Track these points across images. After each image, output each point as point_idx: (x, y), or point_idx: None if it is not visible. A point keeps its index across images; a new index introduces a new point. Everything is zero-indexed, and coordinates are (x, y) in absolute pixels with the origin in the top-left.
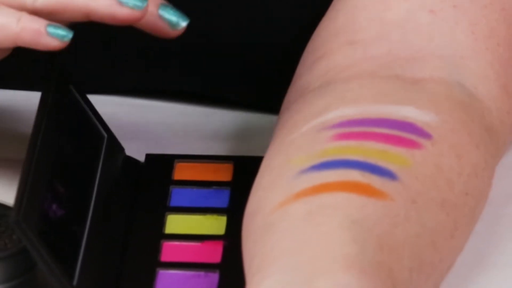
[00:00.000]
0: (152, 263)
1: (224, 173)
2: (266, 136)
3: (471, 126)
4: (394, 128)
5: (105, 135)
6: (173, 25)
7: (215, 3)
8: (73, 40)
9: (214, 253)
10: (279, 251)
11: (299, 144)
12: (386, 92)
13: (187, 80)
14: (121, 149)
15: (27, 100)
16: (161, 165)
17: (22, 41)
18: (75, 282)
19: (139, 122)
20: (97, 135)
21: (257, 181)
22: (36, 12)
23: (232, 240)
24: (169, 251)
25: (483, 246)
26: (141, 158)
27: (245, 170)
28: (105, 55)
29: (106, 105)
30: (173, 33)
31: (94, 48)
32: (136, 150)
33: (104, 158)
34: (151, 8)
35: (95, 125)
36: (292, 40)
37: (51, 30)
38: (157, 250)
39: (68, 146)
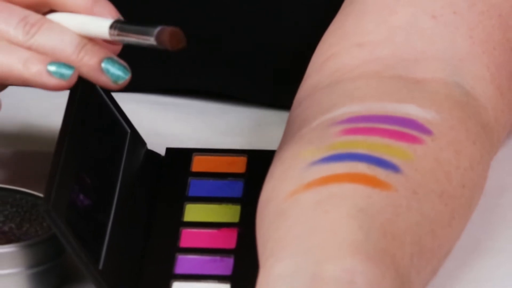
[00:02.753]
0: (172, 248)
1: (238, 165)
2: (278, 131)
3: (468, 124)
4: (397, 124)
5: (129, 130)
6: (115, 79)
7: (231, 6)
8: None
9: (229, 239)
10: (291, 236)
11: (309, 138)
12: (390, 91)
13: (205, 79)
14: (143, 143)
15: (56, 97)
16: (180, 158)
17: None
18: (100, 266)
19: (160, 118)
20: (121, 131)
21: (270, 172)
22: None
23: (245, 227)
24: (188, 237)
25: (479, 233)
26: (162, 152)
27: (257, 162)
28: (129, 56)
29: (129, 103)
30: (115, 86)
31: (120, 54)
32: (157, 145)
33: (127, 152)
34: (93, 61)
35: (119, 121)
36: (303, 41)
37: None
38: (176, 236)
39: (94, 140)
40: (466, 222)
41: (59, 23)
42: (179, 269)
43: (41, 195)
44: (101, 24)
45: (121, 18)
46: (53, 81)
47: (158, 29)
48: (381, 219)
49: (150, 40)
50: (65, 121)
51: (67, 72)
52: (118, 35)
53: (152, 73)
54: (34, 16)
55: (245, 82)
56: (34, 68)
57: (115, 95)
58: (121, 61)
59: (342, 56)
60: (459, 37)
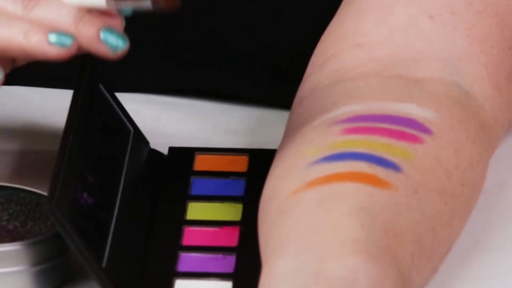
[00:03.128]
0: (175, 246)
1: (240, 164)
2: (279, 131)
3: (467, 123)
4: (397, 124)
5: (132, 129)
6: (114, 48)
7: (232, 7)
8: None
9: (231, 238)
10: (293, 234)
11: (310, 137)
12: (390, 90)
13: (207, 79)
14: (146, 142)
15: (60, 97)
16: (182, 157)
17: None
18: (104, 264)
19: (163, 117)
20: (124, 130)
21: (272, 170)
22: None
23: (247, 225)
24: (190, 235)
25: (478, 231)
26: (164, 151)
27: (259, 161)
28: (132, 57)
29: (132, 102)
30: (114, 56)
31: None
32: (159, 144)
33: (130, 151)
34: (92, 31)
35: (122, 121)
36: (303, 41)
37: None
38: (179, 234)
39: (97, 139)
40: (465, 220)
41: None
42: (182, 266)
43: (45, 193)
44: None
45: None
46: (54, 50)
47: None
48: (382, 218)
49: (146, 3)
50: (69, 120)
51: (67, 41)
52: (115, 3)
53: (155, 73)
54: None
55: (247, 82)
56: (34, 39)
57: (119, 95)
58: (118, 30)
59: (342, 56)
60: (457, 36)
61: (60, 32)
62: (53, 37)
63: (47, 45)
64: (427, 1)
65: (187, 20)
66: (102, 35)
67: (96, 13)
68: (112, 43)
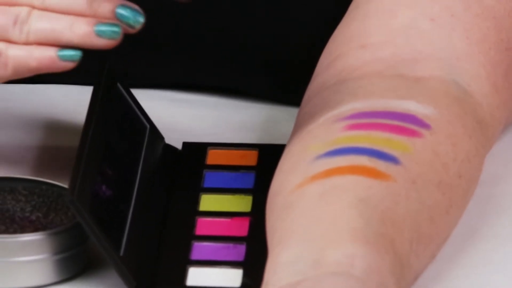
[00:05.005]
0: (188, 236)
1: (250, 158)
2: (287, 127)
3: (465, 119)
4: (397, 120)
5: (147, 125)
6: (132, 23)
7: (246, 7)
8: (121, 43)
9: (241, 228)
10: (297, 226)
11: (316, 133)
12: (391, 88)
13: (219, 77)
14: (161, 138)
15: (80, 95)
16: (195, 151)
17: (41, 70)
18: (121, 252)
19: (177, 114)
20: (140, 126)
21: (280, 165)
22: (29, 43)
23: (257, 216)
24: (203, 226)
25: (475, 221)
26: (179, 146)
27: (268, 156)
28: (148, 55)
29: (148, 100)
30: (132, 31)
31: (139, 50)
32: (174, 139)
33: (146, 146)
34: (107, 9)
35: (138, 117)
36: (311, 44)
37: (61, 54)
38: (192, 225)
39: (115, 135)
40: (462, 210)
41: None
42: (195, 255)
43: (66, 186)
44: None
45: None
46: (103, 41)
47: None
48: (381, 208)
49: None
50: (88, 117)
51: (117, 31)
52: None
53: (170, 70)
54: None
55: (258, 81)
56: (81, 31)
57: (135, 93)
58: (134, 6)
59: (347, 57)
60: (456, 38)
61: (105, 23)
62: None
63: (95, 36)
64: (428, 4)
65: (201, 18)
66: (118, 11)
67: None
68: (129, 18)
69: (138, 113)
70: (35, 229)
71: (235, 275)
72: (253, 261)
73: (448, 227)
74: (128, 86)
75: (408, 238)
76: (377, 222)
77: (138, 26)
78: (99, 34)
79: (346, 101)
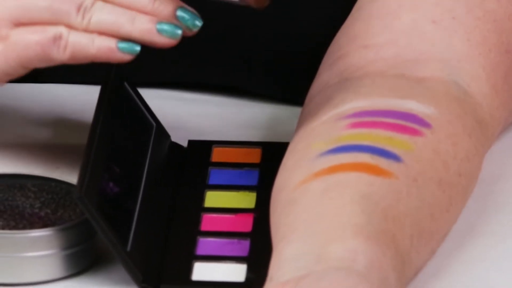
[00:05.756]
0: (194, 232)
1: (254, 156)
2: (290, 125)
3: (465, 119)
4: (399, 119)
5: (154, 124)
6: (191, 25)
7: (250, 9)
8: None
9: (245, 224)
10: (300, 222)
11: (319, 131)
12: (393, 88)
13: (224, 76)
14: (167, 136)
15: (88, 94)
16: (201, 149)
17: (98, 59)
18: (128, 248)
19: (183, 113)
20: (147, 124)
21: (284, 162)
22: (89, 31)
23: (260, 212)
24: (208, 222)
25: (474, 218)
26: (184, 144)
27: (271, 153)
28: (154, 55)
29: (154, 99)
30: (190, 33)
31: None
32: (180, 137)
33: (153, 144)
34: (168, 10)
35: (145, 116)
36: (315, 43)
37: (121, 46)
38: (197, 221)
39: (122, 133)
40: (462, 207)
41: None
42: (200, 250)
43: (74, 183)
44: None
45: None
46: (164, 40)
47: None
48: (382, 204)
49: None
50: (96, 116)
51: (177, 32)
52: None
53: (176, 70)
54: None
55: (262, 80)
56: (143, 26)
57: (142, 92)
58: (193, 10)
59: (350, 57)
60: (457, 40)
61: (167, 22)
62: (163, 26)
63: (156, 34)
64: (430, 7)
65: (207, 19)
66: (179, 13)
67: None
68: (188, 20)
69: (145, 111)
70: (44, 225)
71: (240, 270)
72: (257, 256)
73: (448, 223)
74: (135, 86)
75: (409, 234)
76: (379, 218)
77: (195, 29)
78: (161, 32)
79: (349, 100)
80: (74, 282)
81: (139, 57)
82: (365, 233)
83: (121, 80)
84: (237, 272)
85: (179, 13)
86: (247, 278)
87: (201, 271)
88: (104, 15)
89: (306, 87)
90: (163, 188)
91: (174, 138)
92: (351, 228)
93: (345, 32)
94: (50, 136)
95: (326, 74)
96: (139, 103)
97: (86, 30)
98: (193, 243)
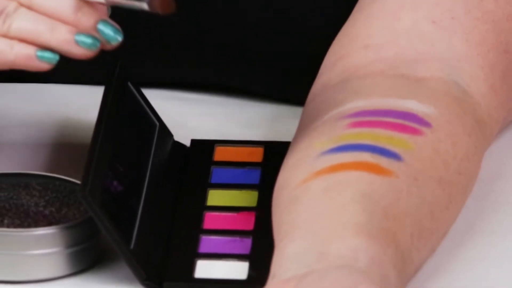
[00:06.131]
0: (196, 230)
1: (256, 155)
2: (292, 125)
3: (464, 118)
4: (399, 118)
5: (157, 123)
6: (109, 39)
7: (253, 10)
8: (132, 43)
9: (247, 222)
10: (301, 220)
11: (320, 130)
12: (394, 88)
13: (226, 76)
14: (170, 135)
15: (92, 94)
16: (203, 148)
17: (16, 66)
18: (132, 246)
19: (185, 112)
20: (150, 124)
21: (285, 161)
22: (9, 37)
23: (262, 211)
24: (210, 220)
25: (473, 216)
26: (187, 143)
27: (273, 152)
28: (157, 56)
29: (158, 98)
30: (109, 47)
31: (149, 51)
32: (182, 136)
33: (156, 143)
34: (90, 22)
35: (148, 115)
36: (315, 45)
37: (40, 54)
38: (200, 219)
39: (126, 132)
40: (462, 206)
41: None
42: (203, 248)
43: (78, 182)
44: None
45: None
46: (81, 51)
47: None
48: (383, 203)
49: (142, 5)
50: (100, 115)
51: (94, 44)
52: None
53: (179, 71)
54: None
55: (264, 80)
56: (62, 36)
57: (145, 92)
58: (114, 24)
59: (351, 57)
60: (456, 40)
61: (86, 34)
62: (81, 38)
63: (74, 44)
64: (430, 8)
65: (209, 20)
66: (100, 26)
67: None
68: (108, 34)
69: (148, 111)
70: (48, 223)
71: (242, 268)
72: (259, 254)
73: (448, 222)
74: (138, 86)
75: (410, 233)
76: (380, 216)
77: (115, 44)
78: (78, 43)
79: (349, 100)
80: (78, 279)
81: (143, 59)
82: (366, 231)
83: (124, 80)
84: (239, 269)
85: (100, 26)
86: (249, 276)
87: (204, 268)
88: (25, 22)
89: (307, 87)
90: (166, 186)
91: (177, 138)
92: (352, 226)
93: (346, 33)
94: (55, 135)
95: (327, 74)
96: (143, 103)
97: (6, 36)
98: (196, 241)
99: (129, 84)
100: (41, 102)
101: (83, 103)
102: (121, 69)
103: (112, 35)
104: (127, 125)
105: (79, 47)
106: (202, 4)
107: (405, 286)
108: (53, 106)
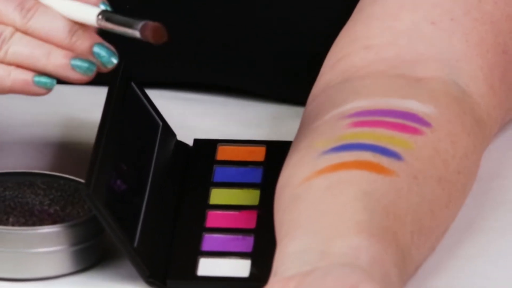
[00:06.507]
0: (199, 228)
1: (258, 154)
2: (293, 124)
3: (463, 118)
4: (400, 118)
5: (160, 123)
6: (105, 62)
7: (254, 11)
8: (136, 44)
9: (249, 220)
10: (303, 218)
11: (322, 130)
12: (394, 88)
13: (229, 77)
14: (173, 135)
15: (96, 94)
16: (206, 148)
17: (14, 91)
18: (135, 244)
19: (188, 112)
20: (154, 123)
21: (287, 160)
22: (6, 63)
23: (264, 209)
24: (213, 218)
25: (472, 214)
26: (190, 142)
27: (275, 152)
28: (161, 57)
29: (161, 99)
30: (104, 69)
31: (152, 52)
32: (185, 136)
33: (159, 142)
34: (85, 46)
35: (152, 115)
36: (316, 46)
37: (37, 79)
38: (203, 217)
39: (130, 132)
40: (461, 204)
41: (52, 8)
42: (206, 246)
43: (82, 180)
44: (89, 11)
45: (108, 6)
46: (77, 75)
47: (142, 23)
48: (384, 201)
49: (135, 33)
50: (104, 115)
51: (92, 67)
52: (104, 23)
53: (182, 71)
54: (30, 1)
55: (265, 80)
56: (57, 61)
57: (149, 92)
58: (110, 46)
59: (352, 58)
60: (455, 40)
61: (81, 58)
62: (76, 62)
63: (70, 69)
64: (429, 9)
65: (212, 23)
66: (95, 49)
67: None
68: (104, 57)
69: (152, 111)
70: (53, 222)
71: (244, 266)
72: (261, 252)
73: (447, 220)
74: (142, 86)
75: (410, 231)
76: (381, 215)
77: (110, 66)
78: (74, 67)
79: (350, 100)
80: (82, 277)
81: (146, 60)
82: (368, 230)
83: (128, 80)
84: (241, 267)
85: (96, 49)
86: (251, 273)
87: (207, 266)
88: (21, 48)
89: (309, 87)
90: (169, 185)
91: (180, 137)
92: (353, 225)
93: (347, 34)
94: (59, 135)
95: (328, 75)
96: (146, 103)
97: (3, 62)
98: (199, 239)
99: (133, 84)
100: (46, 102)
101: (87, 103)
102: (124, 70)
103: (107, 58)
104: (130, 125)
105: (76, 72)
106: (205, 5)
107: (406, 283)
108: (58, 106)
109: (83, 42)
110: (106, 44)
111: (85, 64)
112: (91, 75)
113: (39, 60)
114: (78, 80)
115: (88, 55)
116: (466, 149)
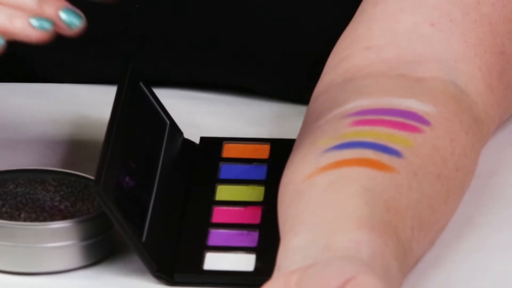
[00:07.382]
0: (205, 224)
1: (262, 152)
2: (297, 123)
3: (462, 116)
4: (400, 116)
5: (168, 121)
6: (71, 25)
7: (260, 12)
8: (143, 44)
9: (254, 216)
10: (306, 213)
11: (324, 128)
12: (394, 87)
13: (234, 75)
14: (180, 133)
15: (105, 93)
16: (212, 145)
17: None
18: (143, 239)
19: (195, 111)
20: (161, 122)
21: (291, 158)
22: None
23: (269, 205)
24: (219, 214)
25: (471, 210)
26: (196, 140)
27: (279, 149)
28: (168, 56)
29: (168, 98)
30: (71, 32)
31: (160, 52)
32: (192, 134)
33: (166, 141)
34: (52, 10)
35: (159, 114)
36: (320, 45)
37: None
38: (209, 213)
39: (138, 130)
40: (460, 200)
41: None
42: (211, 241)
43: (92, 177)
44: None
45: None
46: (37, 33)
47: None
48: (384, 197)
49: None
50: (113, 114)
51: (47, 25)
52: None
53: (188, 71)
54: None
55: (270, 80)
56: (19, 23)
57: (156, 91)
58: (77, 10)
59: (354, 58)
60: (454, 41)
61: (40, 17)
62: (34, 22)
63: (30, 29)
64: (429, 11)
65: (214, 21)
66: (62, 14)
67: None
68: (70, 20)
69: (159, 110)
70: (63, 217)
71: (249, 260)
72: (266, 247)
73: (446, 215)
74: (149, 85)
75: (410, 225)
76: (382, 210)
77: (76, 29)
78: (34, 26)
79: (352, 99)
80: (91, 271)
81: (154, 59)
82: (369, 224)
83: (136, 80)
84: (246, 261)
85: (62, 13)
86: (256, 268)
87: (213, 261)
88: None
89: (312, 86)
90: (176, 182)
91: (186, 135)
92: (355, 219)
93: (349, 35)
94: (70, 133)
95: (330, 74)
96: (154, 102)
97: None
98: (205, 235)
99: (141, 83)
100: (57, 101)
101: (96, 102)
102: (132, 69)
103: (73, 21)
104: (139, 123)
105: (35, 29)
106: (211, 5)
107: (406, 276)
108: (68, 104)
109: (50, 7)
110: (72, 8)
111: (42, 22)
112: (48, 31)
113: (3, 23)
114: (38, 38)
115: (56, 20)
116: (464, 147)
